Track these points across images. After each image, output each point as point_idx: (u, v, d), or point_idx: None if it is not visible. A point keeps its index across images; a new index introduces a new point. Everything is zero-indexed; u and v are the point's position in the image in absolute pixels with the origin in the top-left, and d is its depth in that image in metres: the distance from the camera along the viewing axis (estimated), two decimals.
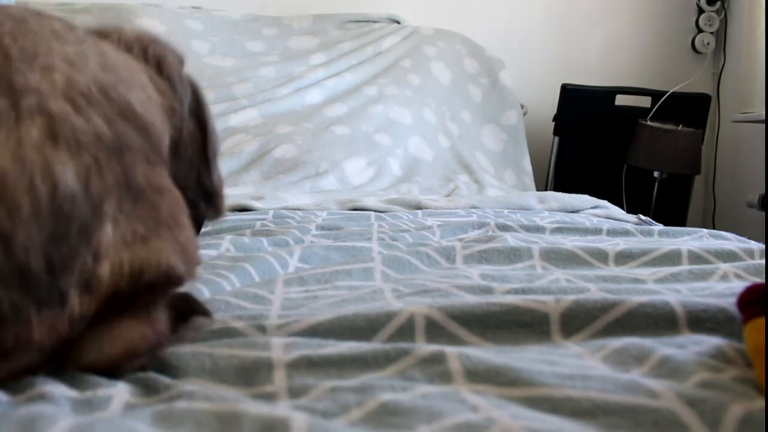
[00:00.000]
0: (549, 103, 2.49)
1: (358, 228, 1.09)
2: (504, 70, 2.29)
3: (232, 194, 1.47)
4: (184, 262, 0.49)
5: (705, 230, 1.10)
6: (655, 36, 2.63)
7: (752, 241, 1.00)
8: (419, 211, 1.35)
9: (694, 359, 0.47)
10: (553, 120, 2.38)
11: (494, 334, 0.55)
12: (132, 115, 0.49)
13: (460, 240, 0.91)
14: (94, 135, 0.45)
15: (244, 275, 0.76)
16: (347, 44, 2.18)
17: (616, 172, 2.34)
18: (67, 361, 0.47)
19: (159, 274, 0.47)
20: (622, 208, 2.16)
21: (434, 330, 0.55)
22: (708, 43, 2.60)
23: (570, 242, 0.93)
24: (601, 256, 0.85)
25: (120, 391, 0.45)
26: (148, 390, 0.46)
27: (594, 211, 1.48)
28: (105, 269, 0.45)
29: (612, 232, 1.10)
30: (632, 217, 1.45)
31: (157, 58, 0.62)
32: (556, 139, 2.36)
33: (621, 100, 2.36)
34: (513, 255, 0.84)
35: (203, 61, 2.05)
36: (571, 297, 0.58)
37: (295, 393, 0.45)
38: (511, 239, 0.91)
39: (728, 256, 0.85)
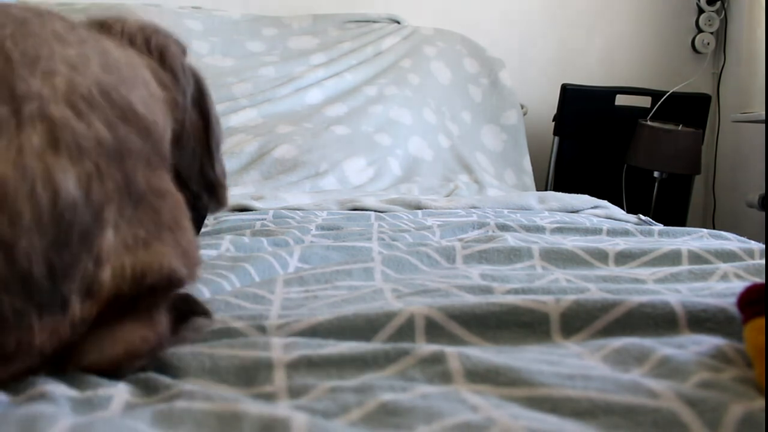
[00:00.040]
0: (549, 103, 2.49)
1: (358, 228, 1.09)
2: (504, 70, 2.29)
3: (232, 194, 1.47)
4: (185, 265, 0.49)
5: (705, 230, 1.10)
6: (655, 36, 2.63)
7: (752, 241, 1.00)
8: (419, 211, 1.35)
9: (694, 359, 0.47)
10: (553, 120, 2.38)
11: (494, 334, 0.55)
12: (134, 117, 0.49)
13: (460, 240, 0.91)
14: (95, 140, 0.45)
15: (244, 275, 0.76)
16: (347, 44, 2.18)
17: (616, 172, 2.34)
18: (68, 362, 0.47)
19: (161, 278, 0.47)
20: (622, 208, 2.16)
21: (434, 330, 0.55)
22: (708, 43, 2.60)
23: (570, 242, 0.93)
24: (601, 256, 0.85)
25: (120, 391, 0.45)
26: (149, 390, 0.46)
27: (594, 211, 1.48)
28: (106, 274, 0.45)
29: (612, 232, 1.10)
30: (632, 217, 1.45)
31: (159, 50, 0.62)
32: (556, 139, 2.36)
33: (621, 100, 2.36)
34: (513, 255, 0.84)
35: (203, 61, 2.05)
36: (571, 297, 0.58)
37: (295, 393, 0.45)
38: (511, 239, 0.91)
39: (728, 256, 0.85)
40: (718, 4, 2.58)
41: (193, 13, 2.20)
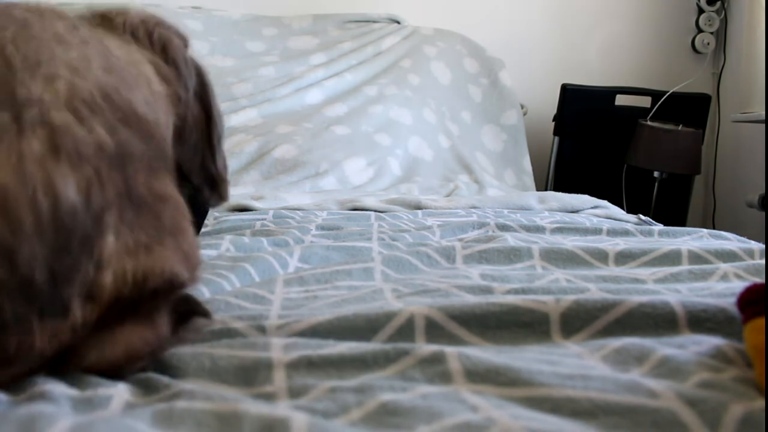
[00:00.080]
0: (549, 103, 2.49)
1: (358, 228, 1.09)
2: (504, 70, 2.29)
3: (232, 194, 1.47)
4: (187, 268, 0.50)
5: (705, 230, 1.10)
6: (655, 36, 2.63)
7: (752, 241, 1.00)
8: (419, 211, 1.35)
9: (694, 359, 0.47)
10: (553, 120, 2.38)
11: (494, 334, 0.55)
12: (135, 120, 0.49)
13: (460, 240, 0.91)
14: (95, 146, 0.45)
15: (244, 275, 0.76)
16: (347, 44, 2.18)
17: (616, 172, 2.34)
18: (68, 363, 0.47)
19: (163, 282, 0.48)
20: (622, 208, 2.16)
21: (434, 330, 0.55)
22: (708, 43, 2.60)
23: (570, 242, 0.93)
24: (601, 256, 0.85)
25: (120, 391, 0.45)
26: (149, 389, 0.46)
27: (594, 211, 1.48)
28: (107, 278, 0.45)
29: (612, 232, 1.10)
30: (632, 217, 1.45)
31: (162, 43, 0.62)
32: (556, 139, 2.36)
33: (621, 100, 2.36)
34: (513, 255, 0.84)
35: (203, 62, 2.05)
36: (571, 297, 0.58)
37: (295, 393, 0.45)
38: (511, 239, 0.91)
39: (728, 256, 0.85)
40: (718, 4, 2.58)
41: (193, 13, 2.20)
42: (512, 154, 2.18)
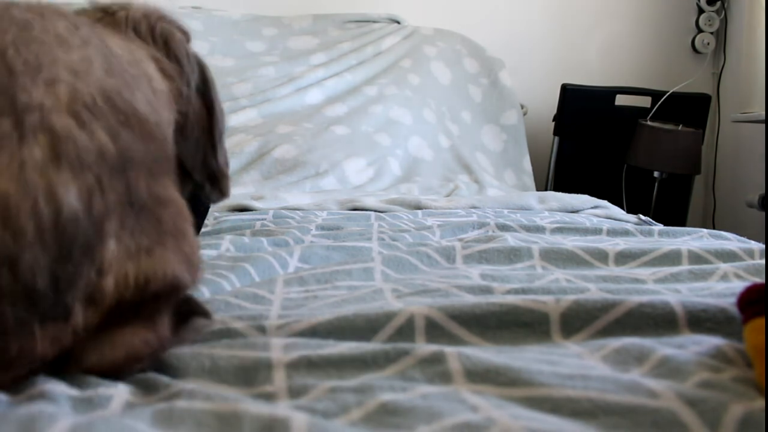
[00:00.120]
0: (549, 103, 2.49)
1: (358, 228, 1.09)
2: (504, 70, 2.29)
3: (232, 194, 1.47)
4: (188, 271, 0.50)
5: (705, 230, 1.10)
6: (655, 36, 2.63)
7: (752, 241, 1.00)
8: (419, 211, 1.35)
9: (694, 359, 0.47)
10: (553, 120, 2.38)
11: (494, 334, 0.55)
12: (137, 121, 0.49)
13: (460, 240, 0.91)
14: (97, 152, 0.46)
15: (244, 275, 0.76)
16: (347, 44, 2.18)
17: (616, 172, 2.34)
18: (70, 365, 0.47)
19: (164, 284, 0.48)
20: (622, 208, 2.16)
21: (434, 330, 0.55)
22: (708, 43, 2.60)
23: (570, 242, 0.93)
24: (601, 256, 0.85)
25: (120, 391, 0.45)
26: (148, 389, 0.46)
27: (594, 211, 1.48)
28: (109, 283, 0.45)
29: (612, 232, 1.10)
30: (632, 217, 1.45)
31: (164, 38, 0.62)
32: (556, 139, 2.36)
33: (621, 100, 2.36)
34: (513, 255, 0.84)
35: None
36: (571, 297, 0.58)
37: (295, 393, 0.45)
38: (511, 239, 0.91)
39: (728, 256, 0.85)
40: (718, 4, 2.58)
41: (193, 13, 2.20)
42: (512, 154, 2.18)
